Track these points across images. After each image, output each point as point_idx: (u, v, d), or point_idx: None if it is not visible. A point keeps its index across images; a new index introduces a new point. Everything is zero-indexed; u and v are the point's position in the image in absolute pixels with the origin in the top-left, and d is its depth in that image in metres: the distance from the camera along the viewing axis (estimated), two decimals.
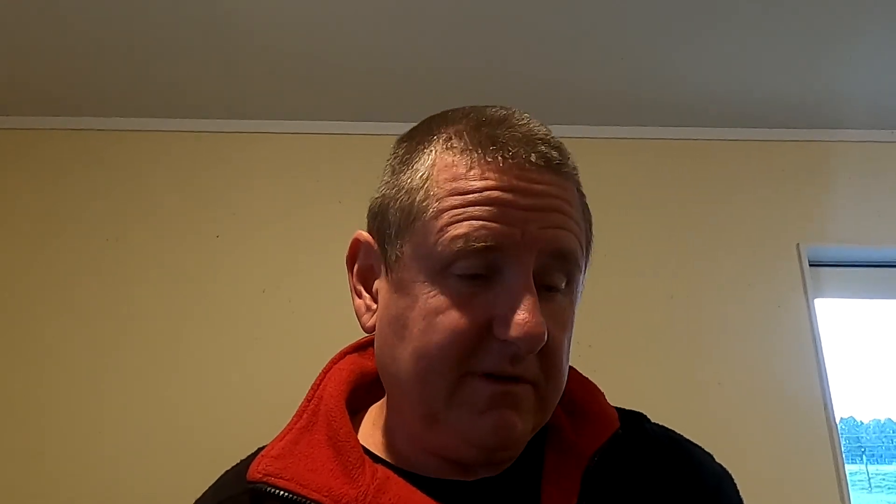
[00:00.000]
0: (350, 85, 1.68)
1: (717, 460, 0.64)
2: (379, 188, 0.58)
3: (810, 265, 1.78)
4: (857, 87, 1.72)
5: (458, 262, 0.50)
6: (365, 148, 1.75)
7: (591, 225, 0.58)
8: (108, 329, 1.62)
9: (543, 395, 0.52)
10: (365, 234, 0.58)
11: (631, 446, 0.59)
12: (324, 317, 1.64)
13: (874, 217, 1.83)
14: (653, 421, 0.65)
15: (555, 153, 0.53)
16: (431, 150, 0.54)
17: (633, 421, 0.63)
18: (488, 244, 0.49)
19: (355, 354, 0.63)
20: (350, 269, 0.60)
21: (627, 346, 1.68)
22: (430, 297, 0.51)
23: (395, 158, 0.58)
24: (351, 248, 0.59)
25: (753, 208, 1.82)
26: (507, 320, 0.49)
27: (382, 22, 1.46)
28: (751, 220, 1.81)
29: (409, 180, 0.54)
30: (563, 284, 0.53)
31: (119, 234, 1.70)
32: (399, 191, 0.55)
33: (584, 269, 0.56)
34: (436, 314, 0.50)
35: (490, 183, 0.51)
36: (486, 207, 0.50)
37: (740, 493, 0.62)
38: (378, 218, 0.57)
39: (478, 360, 0.50)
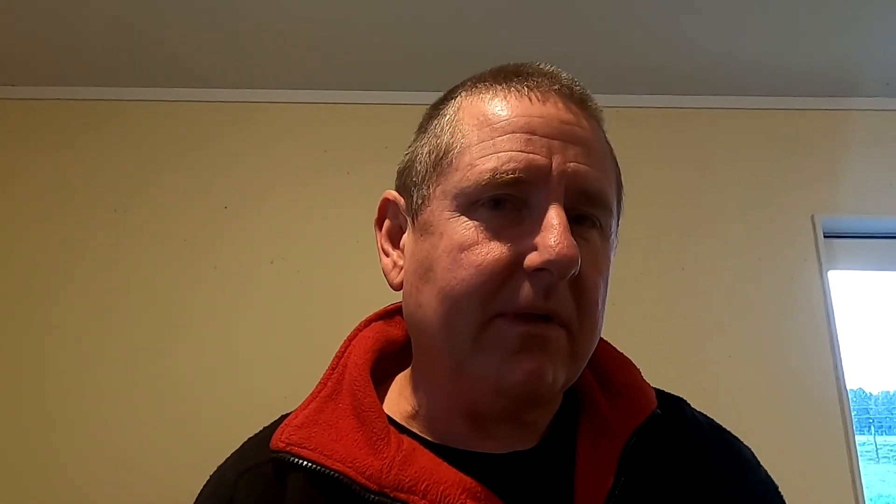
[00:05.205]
0: (360, 54, 1.64)
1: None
2: (406, 151, 0.57)
3: (825, 236, 1.76)
4: (875, 54, 1.68)
5: (485, 195, 0.49)
6: (374, 118, 1.73)
7: (619, 176, 0.57)
8: (115, 300, 1.62)
9: (576, 341, 0.50)
10: (393, 193, 0.58)
11: (671, 430, 0.57)
12: (332, 288, 1.63)
13: (891, 188, 1.79)
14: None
15: (578, 88, 0.53)
16: (457, 98, 0.55)
17: (673, 404, 0.60)
18: (517, 176, 0.48)
19: (381, 322, 0.61)
20: (378, 228, 0.59)
21: (638, 318, 1.67)
22: (455, 234, 0.49)
23: (423, 121, 0.57)
24: (379, 208, 0.59)
25: (768, 178, 1.79)
26: (537, 246, 0.47)
27: None
28: (765, 190, 1.78)
29: (435, 127, 0.54)
30: (598, 223, 0.52)
31: (126, 205, 1.69)
32: (426, 139, 0.55)
33: (616, 218, 0.54)
34: (460, 250, 0.49)
35: (515, 111, 0.50)
36: (512, 135, 0.49)
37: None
38: (405, 173, 0.56)
39: (507, 297, 0.48)
